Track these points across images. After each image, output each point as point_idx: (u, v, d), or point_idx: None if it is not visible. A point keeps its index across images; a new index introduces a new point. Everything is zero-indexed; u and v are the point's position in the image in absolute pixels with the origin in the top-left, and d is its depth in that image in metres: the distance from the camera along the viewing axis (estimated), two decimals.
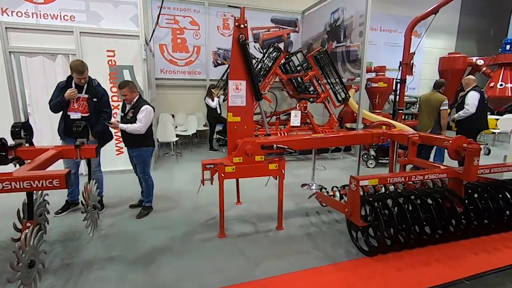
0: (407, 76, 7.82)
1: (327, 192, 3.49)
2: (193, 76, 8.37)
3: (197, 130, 7.70)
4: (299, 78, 7.65)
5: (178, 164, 6.03)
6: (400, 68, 8.13)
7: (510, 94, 6.04)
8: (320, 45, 8.27)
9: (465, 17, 11.40)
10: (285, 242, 3.00)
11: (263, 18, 8.80)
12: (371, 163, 5.91)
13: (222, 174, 2.96)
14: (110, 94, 4.65)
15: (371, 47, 10.21)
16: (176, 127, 8.00)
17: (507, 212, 3.05)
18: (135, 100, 3.47)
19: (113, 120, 3.73)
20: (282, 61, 7.51)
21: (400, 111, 8.00)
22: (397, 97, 7.83)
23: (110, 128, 3.66)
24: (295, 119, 5.87)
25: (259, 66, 6.48)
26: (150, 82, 6.01)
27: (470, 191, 3.08)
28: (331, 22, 7.63)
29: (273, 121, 7.31)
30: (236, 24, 3.30)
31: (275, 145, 3.24)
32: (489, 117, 5.92)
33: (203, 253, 2.78)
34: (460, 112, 4.93)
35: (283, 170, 3.14)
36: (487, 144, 7.15)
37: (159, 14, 6.39)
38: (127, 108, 3.49)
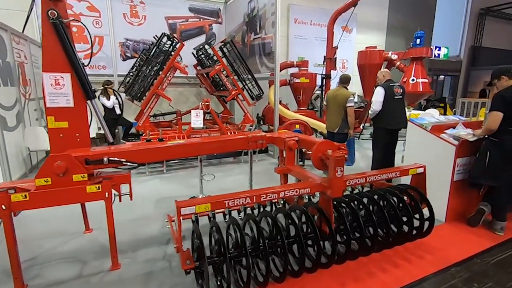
0: (331, 71, 7.51)
1: None
2: (96, 71, 7.22)
3: (97, 134, 6.61)
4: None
5: None
6: (325, 63, 7.83)
7: (421, 90, 5.93)
8: (241, 37, 7.63)
9: (393, 13, 11.59)
10: None
11: (179, 6, 7.91)
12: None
13: (3, 206, 2.09)
14: None
15: (301, 41, 9.88)
16: None
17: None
18: None
19: None
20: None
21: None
22: (323, 93, 7.49)
23: None
24: (197, 119, 5.10)
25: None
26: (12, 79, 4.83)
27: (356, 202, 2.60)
28: (249, 12, 7.01)
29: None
30: None
31: (105, 159, 2.46)
32: (416, 112, 5.73)
33: None
34: (369, 110, 4.55)
35: (107, 193, 2.35)
36: None
37: None
38: None
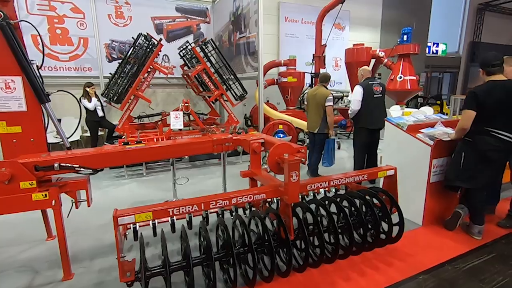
0: (320, 69, 7.37)
1: None
2: (82, 73, 7.14)
3: (81, 137, 6.56)
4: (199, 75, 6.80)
5: None
6: (313, 61, 7.70)
7: (409, 87, 5.77)
8: (227, 36, 7.52)
9: (388, 10, 11.38)
10: None
11: (166, 6, 7.82)
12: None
13: None
14: None
15: (292, 40, 9.73)
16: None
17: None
18: None
19: None
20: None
21: None
22: None
23: None
24: (176, 121, 4.99)
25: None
26: None
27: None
28: (234, 10, 6.89)
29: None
30: None
31: (56, 165, 2.36)
32: (409, 110, 5.52)
33: None
34: (348, 110, 4.42)
35: (54, 201, 2.26)
36: None
37: None
38: None
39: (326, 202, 2.52)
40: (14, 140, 2.60)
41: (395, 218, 2.63)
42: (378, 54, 6.20)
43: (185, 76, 7.24)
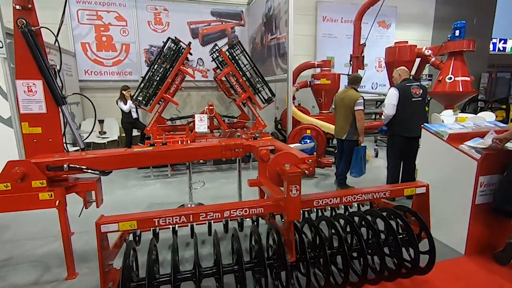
0: (358, 70, 6.85)
1: None
2: (123, 77, 7.61)
3: (119, 137, 6.96)
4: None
5: None
6: (351, 62, 7.19)
7: (461, 89, 5.01)
8: (260, 38, 7.40)
9: (442, 4, 10.25)
10: None
11: (201, 11, 7.98)
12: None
13: None
14: None
15: (330, 40, 9.27)
16: (105, 132, 7.31)
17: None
18: None
19: None
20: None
21: None
22: None
23: None
24: (201, 124, 5.01)
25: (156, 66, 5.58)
26: None
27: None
28: (266, 11, 6.74)
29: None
30: (14, 4, 2.51)
31: (65, 165, 2.43)
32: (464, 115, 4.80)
33: None
34: (382, 115, 3.97)
35: (58, 201, 2.31)
36: None
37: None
38: None
39: (340, 220, 2.21)
40: (35, 140, 2.74)
41: (425, 245, 2.21)
42: (424, 52, 5.51)
43: (216, 79, 7.28)
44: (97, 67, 7.42)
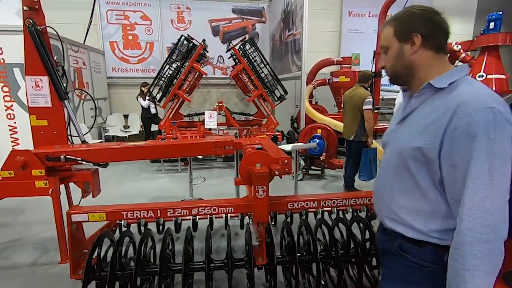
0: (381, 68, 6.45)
1: None
2: (147, 74, 7.94)
3: (140, 131, 7.29)
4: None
5: None
6: (374, 59, 6.78)
7: (495, 89, 4.47)
8: (279, 35, 7.28)
9: None
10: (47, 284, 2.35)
11: (223, 8, 8.05)
12: (299, 174, 4.87)
13: None
14: None
15: (357, 35, 8.85)
16: (128, 127, 7.72)
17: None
18: None
19: None
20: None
21: (376, 111, 6.65)
22: (372, 93, 6.50)
23: None
24: (210, 120, 5.08)
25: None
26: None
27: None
28: (285, 7, 6.61)
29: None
30: (22, 5, 2.71)
31: (62, 157, 2.59)
32: None
33: None
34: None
35: (51, 190, 2.47)
36: None
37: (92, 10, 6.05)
38: None
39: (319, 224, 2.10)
40: (41, 132, 2.95)
41: None
42: (452, 47, 5.03)
43: (232, 76, 7.31)
44: (123, 64, 7.83)
